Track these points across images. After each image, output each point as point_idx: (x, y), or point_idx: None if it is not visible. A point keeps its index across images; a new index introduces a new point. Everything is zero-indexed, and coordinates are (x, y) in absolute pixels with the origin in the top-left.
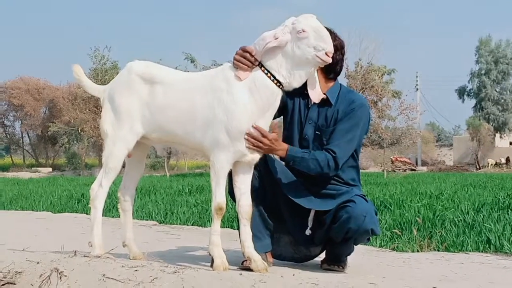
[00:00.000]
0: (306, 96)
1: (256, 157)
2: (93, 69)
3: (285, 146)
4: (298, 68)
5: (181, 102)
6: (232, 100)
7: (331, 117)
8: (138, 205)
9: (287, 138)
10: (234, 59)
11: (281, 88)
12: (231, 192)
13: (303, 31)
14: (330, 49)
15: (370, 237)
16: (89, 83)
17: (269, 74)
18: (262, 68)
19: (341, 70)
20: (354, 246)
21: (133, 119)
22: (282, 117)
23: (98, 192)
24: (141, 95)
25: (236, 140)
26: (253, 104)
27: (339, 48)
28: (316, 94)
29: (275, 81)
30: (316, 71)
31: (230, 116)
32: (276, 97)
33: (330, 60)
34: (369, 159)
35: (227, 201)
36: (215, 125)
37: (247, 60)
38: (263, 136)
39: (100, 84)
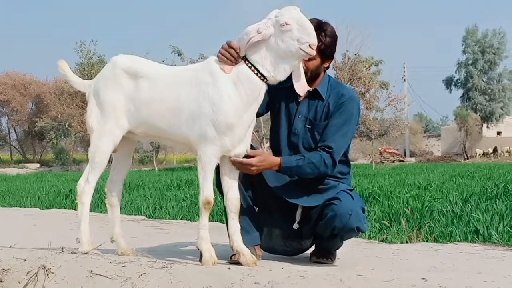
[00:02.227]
0: (294, 91)
1: (241, 152)
2: (80, 64)
3: (277, 160)
4: (282, 62)
5: (166, 96)
6: (217, 93)
7: (321, 111)
8: (126, 200)
9: (275, 133)
10: (219, 52)
11: (265, 82)
12: (218, 185)
13: (286, 24)
14: (314, 41)
15: (360, 233)
16: (75, 78)
17: (253, 68)
18: (246, 62)
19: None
20: (343, 241)
21: (118, 114)
22: (269, 112)
23: (85, 188)
24: (126, 89)
25: (222, 133)
26: (237, 98)
27: (329, 44)
28: (301, 87)
29: (259, 75)
30: (300, 64)
31: (216, 110)
32: (260, 91)
33: (314, 53)
34: (358, 150)
35: (215, 195)
36: (201, 119)
37: (231, 55)
38: (248, 163)
39: (87, 79)
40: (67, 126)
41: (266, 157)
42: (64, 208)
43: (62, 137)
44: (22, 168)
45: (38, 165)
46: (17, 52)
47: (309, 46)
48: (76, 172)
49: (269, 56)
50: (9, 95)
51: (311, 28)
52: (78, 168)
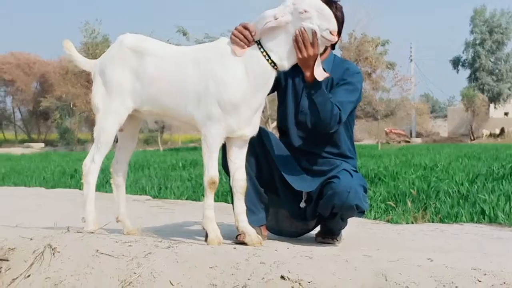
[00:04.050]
0: (300, 69)
1: (246, 134)
2: (84, 43)
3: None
4: (301, 28)
5: (173, 74)
6: (225, 73)
7: (325, 84)
8: (131, 180)
9: (282, 112)
10: (233, 34)
11: (275, 69)
12: (225, 166)
13: (305, 11)
14: (334, 27)
15: (361, 213)
16: (80, 58)
17: (264, 54)
18: (259, 47)
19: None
20: (347, 221)
21: (124, 93)
22: (276, 93)
23: (91, 168)
24: (132, 68)
25: (227, 113)
26: (245, 80)
27: (341, 21)
28: (319, 73)
29: (270, 61)
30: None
31: (222, 89)
32: (269, 78)
33: (335, 39)
34: (364, 131)
35: (220, 175)
36: (207, 98)
37: (245, 37)
38: (313, 44)
39: (91, 58)
40: (71, 106)
41: (315, 60)
42: (69, 187)
43: (67, 117)
44: (27, 147)
45: (43, 144)
46: (22, 32)
47: (330, 32)
48: (81, 152)
49: (285, 44)
50: (13, 75)
51: (330, 14)
52: (82, 148)
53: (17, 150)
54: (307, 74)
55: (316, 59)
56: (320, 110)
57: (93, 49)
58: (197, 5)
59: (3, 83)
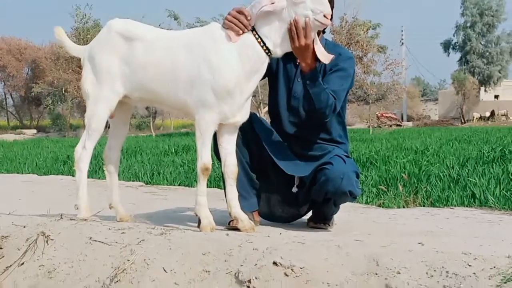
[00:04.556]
0: (292, 55)
1: (238, 120)
2: (75, 28)
3: (314, 62)
4: (296, 17)
5: (164, 59)
6: (219, 59)
7: (319, 70)
8: (124, 166)
9: (274, 98)
10: (226, 19)
11: (269, 55)
12: (216, 152)
13: None
14: (328, 10)
15: (353, 198)
16: (71, 44)
17: (259, 40)
18: (254, 33)
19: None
20: (339, 206)
21: (113, 79)
22: (266, 79)
23: (82, 154)
24: (122, 53)
25: (221, 100)
26: (240, 66)
27: (332, 5)
28: (323, 56)
29: (264, 48)
30: (316, 34)
31: (217, 75)
32: (263, 63)
33: (329, 23)
34: (355, 115)
35: (213, 161)
36: (201, 84)
37: (240, 22)
38: (305, 34)
39: (82, 43)
40: (63, 92)
41: (310, 49)
42: (62, 174)
43: (59, 103)
44: (19, 134)
45: (35, 131)
46: (12, 17)
47: (324, 16)
48: (73, 138)
49: (279, 29)
50: (4, 60)
51: None
52: (75, 134)
53: (9, 137)
54: (303, 64)
55: (310, 48)
56: (315, 100)
57: (84, 34)
58: None
59: None
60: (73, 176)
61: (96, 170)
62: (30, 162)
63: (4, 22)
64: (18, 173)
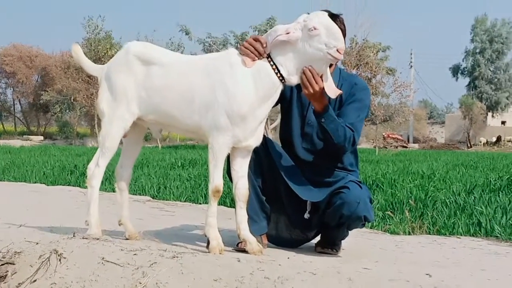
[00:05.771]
0: None
1: (251, 144)
2: (86, 39)
3: (326, 101)
4: (308, 66)
5: (180, 83)
6: (234, 83)
7: (334, 101)
8: (131, 178)
9: (287, 125)
10: (243, 45)
11: (282, 83)
12: (229, 172)
13: (315, 29)
14: (342, 46)
15: (363, 224)
16: (87, 63)
17: (274, 67)
18: (269, 59)
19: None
20: (349, 231)
21: (129, 99)
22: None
23: (95, 172)
24: (138, 76)
25: (235, 124)
26: (254, 92)
27: (344, 34)
28: (332, 90)
29: (279, 75)
30: (327, 68)
31: (231, 99)
32: (276, 90)
33: (341, 57)
34: (361, 135)
35: (223, 182)
36: (215, 107)
37: (256, 49)
38: (316, 81)
39: (93, 54)
40: (72, 100)
41: (322, 93)
42: (69, 184)
43: (67, 111)
44: (26, 140)
45: (41, 137)
46: (24, 24)
47: (337, 50)
48: (80, 146)
49: (294, 59)
50: (15, 67)
51: (338, 33)
52: (81, 142)
53: (16, 142)
54: (316, 106)
55: (321, 92)
56: (333, 136)
57: (95, 45)
58: (200, 4)
59: (4, 75)
60: (80, 187)
61: (103, 181)
62: (38, 170)
63: (17, 29)
64: (25, 181)
